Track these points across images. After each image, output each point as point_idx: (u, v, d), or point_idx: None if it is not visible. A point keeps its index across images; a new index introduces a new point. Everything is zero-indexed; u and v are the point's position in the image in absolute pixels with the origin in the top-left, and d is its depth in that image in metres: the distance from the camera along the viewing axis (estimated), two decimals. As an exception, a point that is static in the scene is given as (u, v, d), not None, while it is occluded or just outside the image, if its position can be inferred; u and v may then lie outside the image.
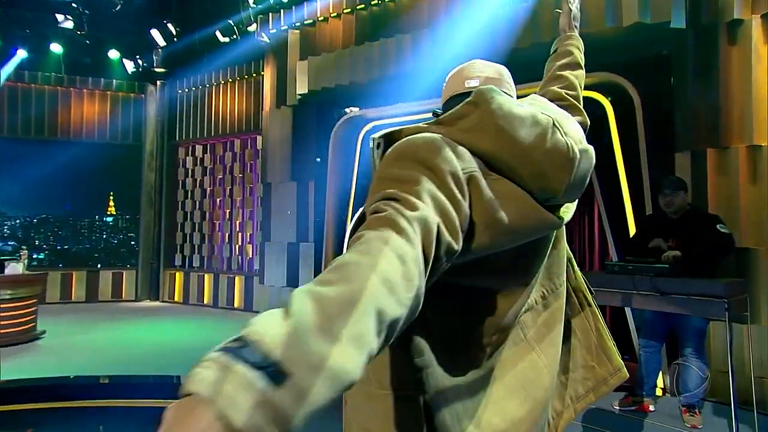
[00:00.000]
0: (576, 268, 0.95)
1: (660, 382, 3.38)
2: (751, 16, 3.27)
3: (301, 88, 5.37)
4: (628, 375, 0.94)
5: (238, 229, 7.29)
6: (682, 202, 2.84)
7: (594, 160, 0.78)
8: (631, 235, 3.43)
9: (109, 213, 7.83)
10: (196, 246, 7.65)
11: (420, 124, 0.75)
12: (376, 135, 0.76)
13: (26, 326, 4.87)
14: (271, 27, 5.77)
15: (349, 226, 0.73)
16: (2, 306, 4.61)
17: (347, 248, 0.56)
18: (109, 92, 7.66)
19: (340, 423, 0.84)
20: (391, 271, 0.50)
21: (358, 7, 5.13)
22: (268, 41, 5.94)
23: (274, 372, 0.39)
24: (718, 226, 2.67)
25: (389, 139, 0.75)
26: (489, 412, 0.76)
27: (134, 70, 7.42)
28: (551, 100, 0.94)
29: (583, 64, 1.12)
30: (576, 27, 1.21)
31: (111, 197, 7.84)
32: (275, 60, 5.97)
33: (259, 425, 0.37)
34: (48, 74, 7.31)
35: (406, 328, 0.53)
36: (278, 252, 5.96)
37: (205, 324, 5.99)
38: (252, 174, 7.13)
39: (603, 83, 3.95)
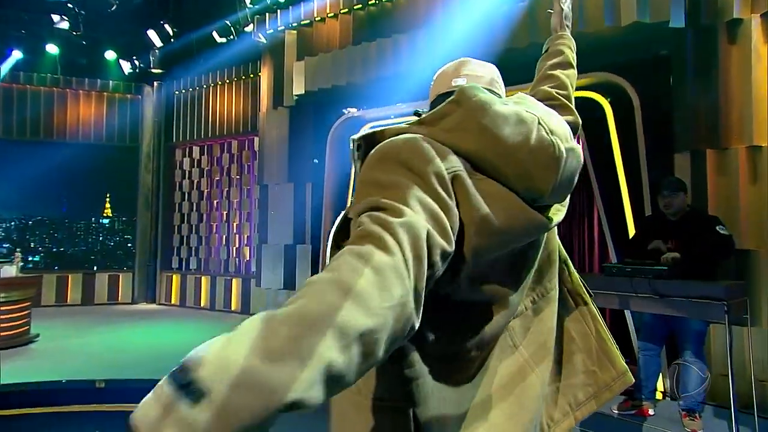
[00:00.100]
0: (572, 270, 0.93)
1: (660, 386, 3.35)
2: (751, 15, 3.24)
3: (298, 88, 5.34)
4: (633, 379, 0.91)
5: (235, 231, 7.25)
6: (681, 203, 2.81)
7: (582, 159, 0.76)
8: (630, 237, 3.40)
9: (105, 215, 7.79)
10: (193, 248, 7.61)
11: (402, 125, 0.73)
12: (356, 136, 0.74)
13: (19, 330, 4.82)
14: (267, 27, 5.75)
15: (333, 229, 0.71)
16: (-5, 309, 4.57)
17: (327, 258, 0.58)
18: (105, 93, 7.62)
19: None
20: (358, 284, 0.49)
21: (355, 7, 5.10)
22: (265, 42, 5.92)
23: (194, 390, 0.40)
24: (717, 228, 2.64)
25: (370, 140, 0.73)
26: (476, 422, 0.75)
27: (131, 71, 7.39)
28: (542, 100, 0.93)
29: (574, 64, 1.11)
30: (568, 26, 1.20)
31: (107, 199, 7.79)
32: (272, 60, 5.94)
33: None
34: (44, 75, 7.27)
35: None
36: (275, 254, 5.92)
37: (202, 327, 5.95)
38: (249, 175, 7.09)
39: (602, 83, 3.93)
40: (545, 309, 0.84)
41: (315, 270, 5.49)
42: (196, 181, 7.67)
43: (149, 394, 0.42)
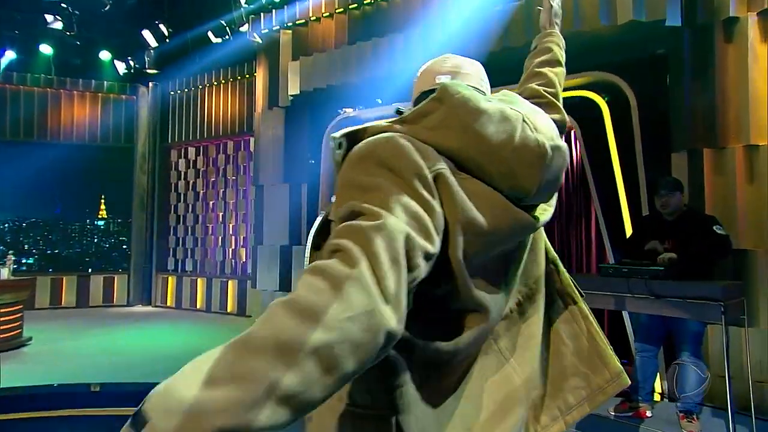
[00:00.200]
0: (562, 269, 0.90)
1: (658, 387, 3.33)
2: (747, 13, 3.22)
3: (293, 88, 5.31)
4: (629, 381, 0.88)
5: (231, 233, 7.21)
6: (678, 203, 2.79)
7: (567, 158, 0.75)
8: (627, 237, 3.38)
9: (100, 216, 7.74)
10: (189, 250, 7.57)
11: (383, 123, 0.72)
12: (337, 134, 0.72)
13: (11, 333, 4.77)
14: (262, 27, 5.72)
15: (312, 230, 0.71)
16: (-13, 312, 4.52)
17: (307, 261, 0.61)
18: (100, 94, 7.58)
19: None
20: (310, 300, 0.50)
21: (350, 7, 5.08)
22: (260, 41, 5.88)
23: (137, 420, 0.43)
24: (714, 228, 2.62)
25: (353, 137, 0.71)
26: (459, 430, 0.73)
27: (126, 71, 7.35)
28: (529, 98, 0.92)
29: (563, 62, 1.10)
30: (557, 24, 1.18)
31: (102, 200, 7.75)
32: (267, 60, 5.91)
33: None
34: (37, 76, 7.22)
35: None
36: (271, 255, 5.88)
37: (198, 329, 5.91)
38: (245, 176, 7.06)
39: (598, 83, 3.91)
40: (531, 311, 0.83)
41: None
42: (191, 182, 7.63)
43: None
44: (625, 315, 3.50)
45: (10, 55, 6.82)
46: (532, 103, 0.89)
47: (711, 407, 2.98)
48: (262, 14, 5.73)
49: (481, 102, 0.68)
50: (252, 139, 6.60)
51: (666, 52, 3.58)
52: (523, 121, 0.69)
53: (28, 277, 5.48)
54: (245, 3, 5.91)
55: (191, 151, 7.69)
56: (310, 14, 5.37)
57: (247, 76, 6.79)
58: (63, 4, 6.39)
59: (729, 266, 3.05)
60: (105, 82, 7.56)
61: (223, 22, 6.26)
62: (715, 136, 3.30)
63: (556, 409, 0.85)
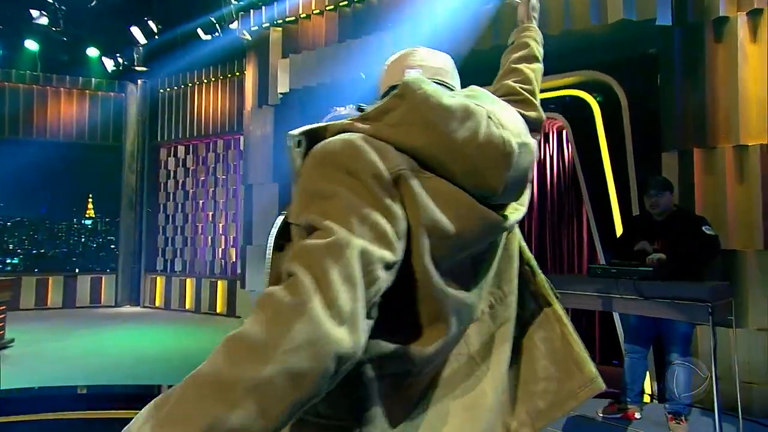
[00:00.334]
0: (537, 271, 0.87)
1: (648, 389, 3.31)
2: (737, 13, 3.22)
3: (283, 86, 5.25)
4: (605, 386, 0.84)
5: (221, 232, 7.13)
6: (667, 203, 2.78)
7: (535, 155, 0.74)
8: (617, 237, 3.36)
9: (87, 216, 7.63)
10: (178, 250, 7.48)
11: (344, 121, 0.70)
12: (296, 132, 0.69)
13: (-7, 334, 4.67)
14: (252, 24, 5.65)
15: (273, 231, 0.70)
16: (-33, 313, 4.42)
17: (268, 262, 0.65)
18: (87, 91, 7.47)
19: None
20: (250, 335, 0.51)
21: (340, 4, 5.03)
22: (249, 38, 5.81)
23: None
24: (704, 228, 2.61)
25: (312, 135, 0.69)
26: None
27: (114, 68, 7.24)
28: (505, 95, 0.92)
29: (540, 57, 1.07)
30: (535, 18, 1.15)
31: (90, 199, 7.63)
32: (257, 58, 5.84)
33: None
34: (23, 72, 7.10)
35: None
36: (260, 255, 5.81)
37: (187, 330, 5.84)
38: (236, 175, 6.99)
39: (590, 82, 3.89)
40: (504, 313, 0.80)
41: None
42: (181, 181, 7.55)
43: None
44: (616, 316, 3.48)
45: (-6, 51, 6.71)
46: (508, 100, 0.88)
47: (699, 408, 2.97)
48: (251, 11, 5.66)
49: (444, 98, 0.66)
50: (242, 138, 6.53)
51: (657, 51, 3.57)
52: (488, 117, 0.67)
53: (11, 277, 5.38)
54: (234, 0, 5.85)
55: (180, 149, 7.60)
56: (300, 11, 5.31)
57: (237, 73, 6.73)
58: (48, 0, 6.29)
59: (718, 267, 3.04)
60: (93, 79, 7.45)
61: (212, 18, 6.18)
62: (706, 136, 3.29)
63: (525, 414, 0.82)
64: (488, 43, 3.77)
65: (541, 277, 0.87)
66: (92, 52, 7.14)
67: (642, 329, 2.79)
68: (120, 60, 7.21)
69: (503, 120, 0.69)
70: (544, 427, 0.82)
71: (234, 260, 6.90)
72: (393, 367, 0.67)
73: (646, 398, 3.27)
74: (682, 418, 2.68)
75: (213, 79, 7.03)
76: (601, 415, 2.85)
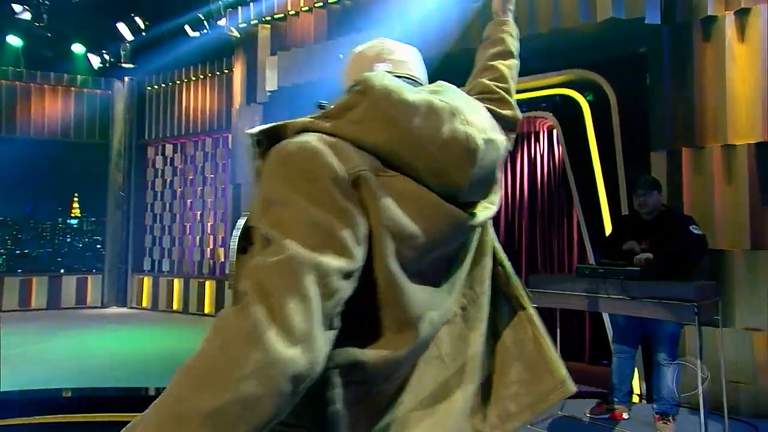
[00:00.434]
0: (510, 272, 0.86)
1: (636, 389, 3.31)
2: (725, 12, 3.22)
3: (271, 84, 5.19)
4: (575, 389, 0.83)
5: (209, 232, 7.05)
6: (655, 202, 2.77)
7: (502, 151, 0.73)
8: (606, 236, 3.35)
9: (73, 215, 7.51)
10: (166, 249, 7.39)
11: (305, 119, 0.68)
12: (255, 130, 0.67)
13: (-27, 336, 4.55)
14: (240, 20, 5.58)
15: (237, 233, 0.69)
16: (-55, 315, 4.30)
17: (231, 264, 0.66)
18: (72, 88, 7.33)
19: None
20: (202, 364, 0.51)
21: (330, 1, 4.97)
22: (238, 35, 5.74)
23: None
24: (691, 228, 2.61)
25: (272, 134, 0.67)
26: None
27: (100, 65, 7.12)
28: (480, 93, 0.91)
29: (516, 53, 1.05)
30: (510, 10, 1.12)
31: (75, 198, 7.51)
32: (245, 55, 5.77)
33: None
34: (5, 68, 6.95)
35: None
36: (249, 255, 5.74)
37: (174, 331, 5.75)
38: (224, 174, 6.90)
39: (579, 81, 3.88)
40: (476, 315, 0.79)
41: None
42: (168, 180, 7.46)
43: None
44: (605, 316, 3.47)
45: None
46: (483, 98, 0.88)
47: (687, 408, 2.96)
48: (239, 7, 5.59)
49: (406, 94, 0.65)
50: (230, 136, 6.45)
51: (646, 50, 3.56)
52: (452, 113, 0.66)
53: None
54: (222, -5, 5.77)
55: (168, 148, 7.50)
56: (289, 8, 5.25)
57: (226, 71, 6.65)
58: (31, -6, 6.16)
59: (706, 266, 3.04)
60: (78, 76, 7.31)
61: (200, 15, 6.09)
62: (694, 136, 3.29)
63: (496, 418, 0.81)
64: (480, 41, 3.73)
65: (514, 278, 0.86)
66: (77, 48, 7.01)
67: (630, 329, 2.79)
68: (106, 56, 7.08)
69: (468, 116, 0.67)
70: (515, 429, 0.81)
71: (222, 260, 6.82)
72: (359, 375, 0.65)
73: (635, 398, 3.26)
74: (670, 418, 2.67)
75: (201, 76, 6.94)
76: (588, 415, 2.84)
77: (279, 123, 0.68)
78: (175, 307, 7.03)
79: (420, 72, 0.85)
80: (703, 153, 3.26)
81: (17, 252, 7.24)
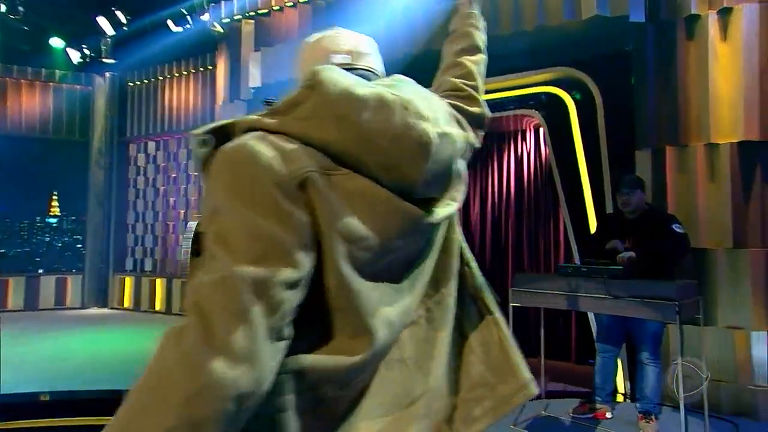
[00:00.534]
0: (477, 273, 0.85)
1: (621, 388, 3.31)
2: (708, 11, 3.22)
3: (254, 81, 5.10)
4: (537, 391, 0.84)
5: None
6: (639, 201, 2.76)
7: (460, 146, 0.71)
8: (590, 235, 3.34)
9: (52, 214, 7.31)
10: (149, 249, 7.24)
11: (252, 116, 0.66)
12: (199, 131, 0.65)
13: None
14: (223, 15, 5.48)
15: (189, 235, 0.67)
16: None
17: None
18: (51, 83, 7.14)
19: None
20: (146, 387, 0.52)
21: (314, -4, 4.89)
22: (221, 31, 5.64)
23: None
24: (673, 226, 2.61)
25: (220, 133, 0.65)
26: None
27: (80, 60, 6.94)
28: (448, 91, 0.90)
29: (483, 47, 1.02)
30: (477, 2, 1.08)
31: (54, 197, 7.32)
32: (228, 51, 5.66)
33: None
34: (-21, 63, 6.75)
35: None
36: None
37: (157, 333, 5.56)
38: (208, 172, 6.78)
39: (565, 79, 3.87)
40: (441, 317, 0.77)
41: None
42: (151, 178, 7.32)
43: None
44: (591, 315, 3.47)
45: (-52, 39, 6.34)
46: (450, 95, 0.87)
47: (670, 407, 2.97)
48: (222, 2, 5.49)
49: (355, 88, 0.63)
50: (215, 134, 6.34)
51: (632, 49, 3.56)
52: (404, 107, 0.64)
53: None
54: (205, -11, 5.65)
55: (151, 145, 7.35)
56: (273, 3, 5.16)
57: (210, 67, 6.53)
58: (6, -14, 5.97)
59: (689, 265, 3.04)
60: (57, 71, 7.12)
61: (182, 9, 5.97)
62: (678, 134, 3.29)
63: (461, 422, 0.80)
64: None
65: (481, 279, 0.85)
66: (56, 42, 6.82)
67: (613, 328, 2.78)
68: (86, 51, 6.91)
69: (421, 109, 0.65)
70: None
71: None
72: (312, 382, 0.63)
73: (619, 398, 3.26)
74: (652, 417, 2.67)
75: (185, 72, 6.81)
76: (571, 415, 2.82)
77: (226, 121, 0.66)
78: (157, 307, 6.90)
79: (378, 64, 0.82)
80: (686, 152, 3.27)
81: (-7, 252, 7.04)
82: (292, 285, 0.57)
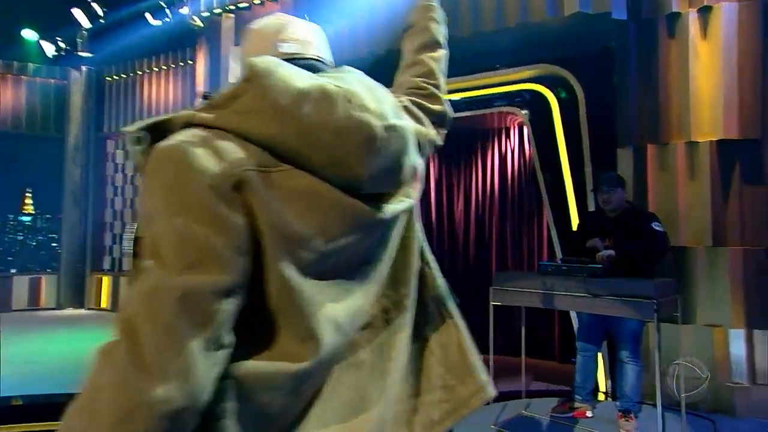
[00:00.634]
0: (437, 273, 0.83)
1: (602, 387, 3.31)
2: (689, 9, 3.23)
3: (235, 76, 4.98)
4: (495, 393, 0.83)
5: (173, 229, 6.78)
6: (619, 199, 2.76)
7: (409, 138, 0.67)
8: (570, 233, 3.33)
9: (25, 212, 7.09)
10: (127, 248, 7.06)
11: (189, 111, 0.64)
12: (133, 128, 0.61)
13: None
14: (202, 9, 5.35)
15: (131, 236, 0.63)
16: None
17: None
18: (23, 76, 6.90)
19: None
20: (82, 409, 0.52)
21: (296, -10, 4.80)
22: (201, 24, 5.51)
23: None
24: (652, 224, 2.61)
25: (156, 130, 0.62)
26: None
27: (55, 53, 6.72)
28: (409, 89, 0.88)
29: (443, 41, 0.98)
30: None
31: (28, 194, 7.09)
32: (208, 45, 5.54)
33: None
34: (-53, 55, 6.49)
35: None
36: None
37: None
38: (189, 169, 6.65)
39: (547, 76, 3.85)
40: (399, 318, 0.75)
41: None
42: (130, 175, 7.14)
43: None
44: (573, 314, 3.47)
45: None
46: (411, 93, 0.86)
47: (650, 405, 2.97)
48: (202, -6, 5.36)
49: (294, 79, 0.61)
50: (195, 130, 6.21)
51: (613, 46, 3.55)
52: (348, 99, 0.62)
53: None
54: (184, -19, 5.51)
55: (130, 141, 7.16)
56: (254, -4, 5.06)
57: (189, 61, 6.38)
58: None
59: (669, 263, 3.05)
60: (30, 64, 6.89)
61: (161, 1, 5.81)
62: (659, 133, 3.30)
63: (420, 426, 0.78)
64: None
65: (440, 279, 0.83)
66: (28, 34, 6.59)
67: (593, 327, 2.78)
68: (61, 44, 6.69)
69: (366, 101, 0.63)
70: None
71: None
72: (257, 389, 0.60)
73: (600, 396, 3.26)
74: (631, 415, 2.66)
75: (164, 67, 6.65)
76: (551, 414, 2.81)
77: (161, 117, 0.63)
78: (136, 308, 6.74)
79: (326, 53, 0.79)
80: (667, 150, 3.28)
81: (-38, 251, 6.80)
82: (227, 292, 0.55)
